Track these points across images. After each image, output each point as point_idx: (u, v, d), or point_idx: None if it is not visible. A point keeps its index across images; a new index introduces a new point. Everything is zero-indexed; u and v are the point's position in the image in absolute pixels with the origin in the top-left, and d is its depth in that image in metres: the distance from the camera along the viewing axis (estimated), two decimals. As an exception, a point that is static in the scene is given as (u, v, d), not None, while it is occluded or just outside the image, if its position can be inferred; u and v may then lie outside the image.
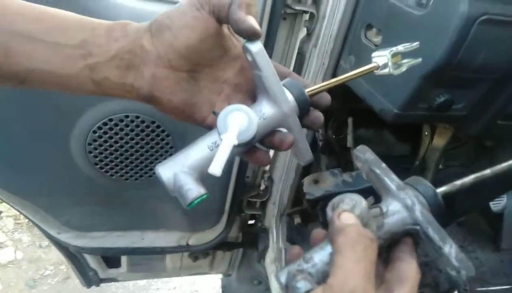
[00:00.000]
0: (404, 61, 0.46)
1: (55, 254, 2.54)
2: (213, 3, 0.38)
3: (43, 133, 0.83)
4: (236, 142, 0.36)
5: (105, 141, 0.85)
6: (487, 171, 0.44)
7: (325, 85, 0.43)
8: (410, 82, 0.70)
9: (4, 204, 2.71)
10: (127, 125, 0.84)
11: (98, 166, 0.90)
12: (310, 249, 0.36)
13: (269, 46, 0.86)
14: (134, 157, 0.90)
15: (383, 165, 0.40)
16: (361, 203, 0.35)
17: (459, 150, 1.10)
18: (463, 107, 0.77)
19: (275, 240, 1.23)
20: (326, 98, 0.44)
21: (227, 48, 0.42)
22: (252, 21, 0.37)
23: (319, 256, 0.35)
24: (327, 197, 0.86)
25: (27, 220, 2.74)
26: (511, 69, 0.68)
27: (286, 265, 0.36)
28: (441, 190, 0.40)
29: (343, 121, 1.12)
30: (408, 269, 0.35)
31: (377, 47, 0.77)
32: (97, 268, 1.43)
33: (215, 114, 0.39)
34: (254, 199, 1.26)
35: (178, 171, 0.38)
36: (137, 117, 0.83)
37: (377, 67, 0.45)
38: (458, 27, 0.60)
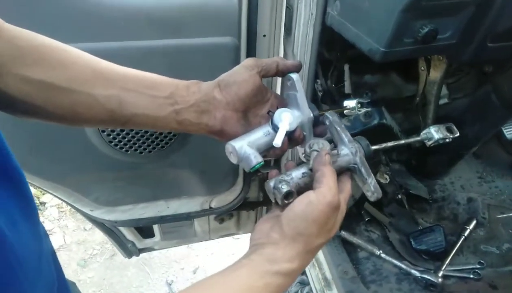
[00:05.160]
0: (362, 109, 0.77)
1: (99, 235, 2.73)
2: (261, 66, 0.59)
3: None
4: (288, 128, 0.56)
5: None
6: (402, 141, 0.72)
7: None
8: (392, 18, 0.70)
9: (46, 195, 2.91)
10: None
11: (112, 143, 0.97)
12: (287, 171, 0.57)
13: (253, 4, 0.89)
14: (143, 131, 0.96)
15: (343, 125, 0.60)
16: (328, 146, 0.56)
17: (461, 81, 1.09)
18: (451, 35, 0.76)
19: (293, 194, 1.28)
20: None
21: (263, 95, 0.62)
22: (296, 62, 0.61)
23: (295, 173, 0.56)
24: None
25: (69, 208, 2.94)
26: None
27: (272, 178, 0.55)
28: (374, 147, 0.61)
29: (343, 70, 1.13)
30: (344, 184, 0.58)
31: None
32: (134, 240, 1.54)
33: (270, 112, 0.59)
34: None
35: (245, 144, 0.56)
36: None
37: (348, 108, 0.77)
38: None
